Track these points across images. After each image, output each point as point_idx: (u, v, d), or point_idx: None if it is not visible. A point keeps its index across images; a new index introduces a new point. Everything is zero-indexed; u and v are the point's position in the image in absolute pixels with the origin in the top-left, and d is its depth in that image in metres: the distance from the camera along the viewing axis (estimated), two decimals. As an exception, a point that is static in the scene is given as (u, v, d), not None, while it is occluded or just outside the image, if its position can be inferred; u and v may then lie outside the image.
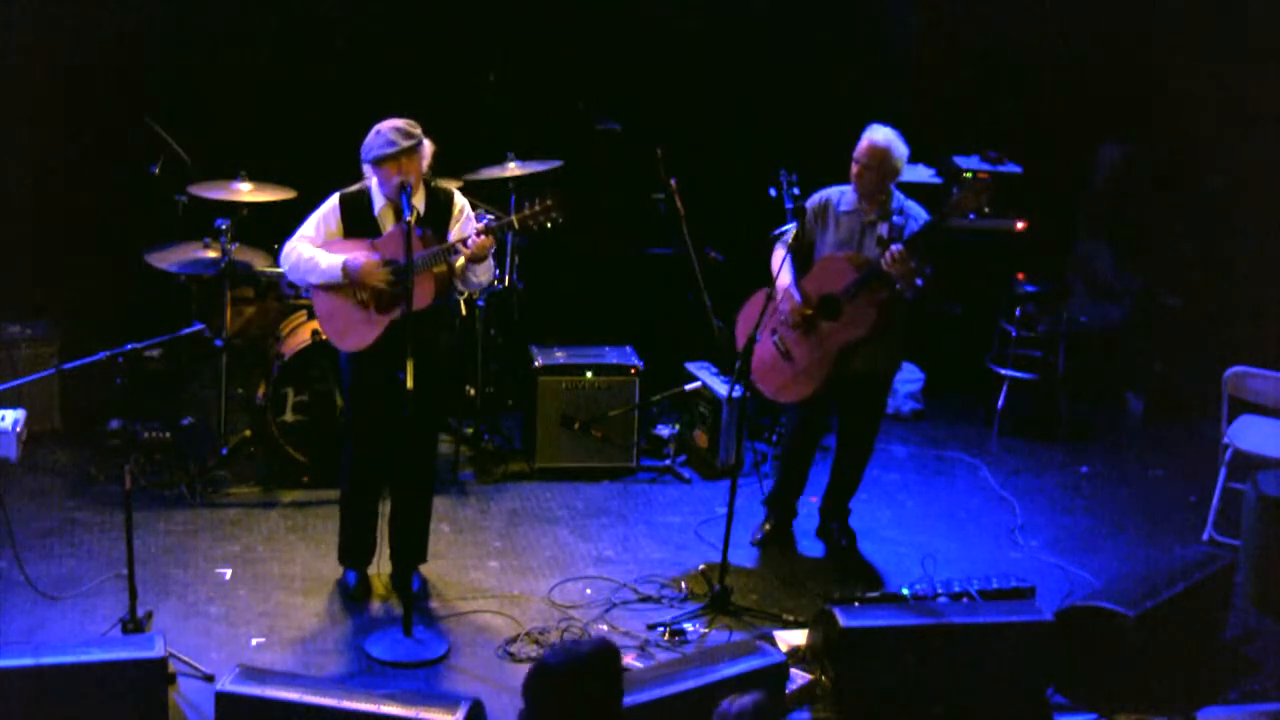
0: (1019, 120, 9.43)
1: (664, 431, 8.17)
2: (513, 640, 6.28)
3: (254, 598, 6.58)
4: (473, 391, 8.17)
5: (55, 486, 7.47)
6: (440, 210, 6.33)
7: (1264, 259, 8.86)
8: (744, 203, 8.78)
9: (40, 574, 6.54)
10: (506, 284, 8.12)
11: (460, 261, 6.23)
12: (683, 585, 6.84)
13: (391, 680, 6.00)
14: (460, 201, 6.41)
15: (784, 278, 6.82)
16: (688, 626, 6.45)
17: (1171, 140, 9.17)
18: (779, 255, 6.93)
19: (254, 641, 6.24)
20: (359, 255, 6.24)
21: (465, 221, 6.36)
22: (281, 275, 7.34)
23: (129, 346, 6.00)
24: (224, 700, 5.23)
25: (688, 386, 8.21)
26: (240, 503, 7.43)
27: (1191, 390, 8.90)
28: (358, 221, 6.31)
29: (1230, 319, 8.95)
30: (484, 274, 6.36)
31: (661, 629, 6.41)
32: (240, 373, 7.99)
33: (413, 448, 6.38)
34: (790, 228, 7.01)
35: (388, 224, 6.29)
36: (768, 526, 7.33)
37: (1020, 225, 9.12)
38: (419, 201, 6.24)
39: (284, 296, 7.75)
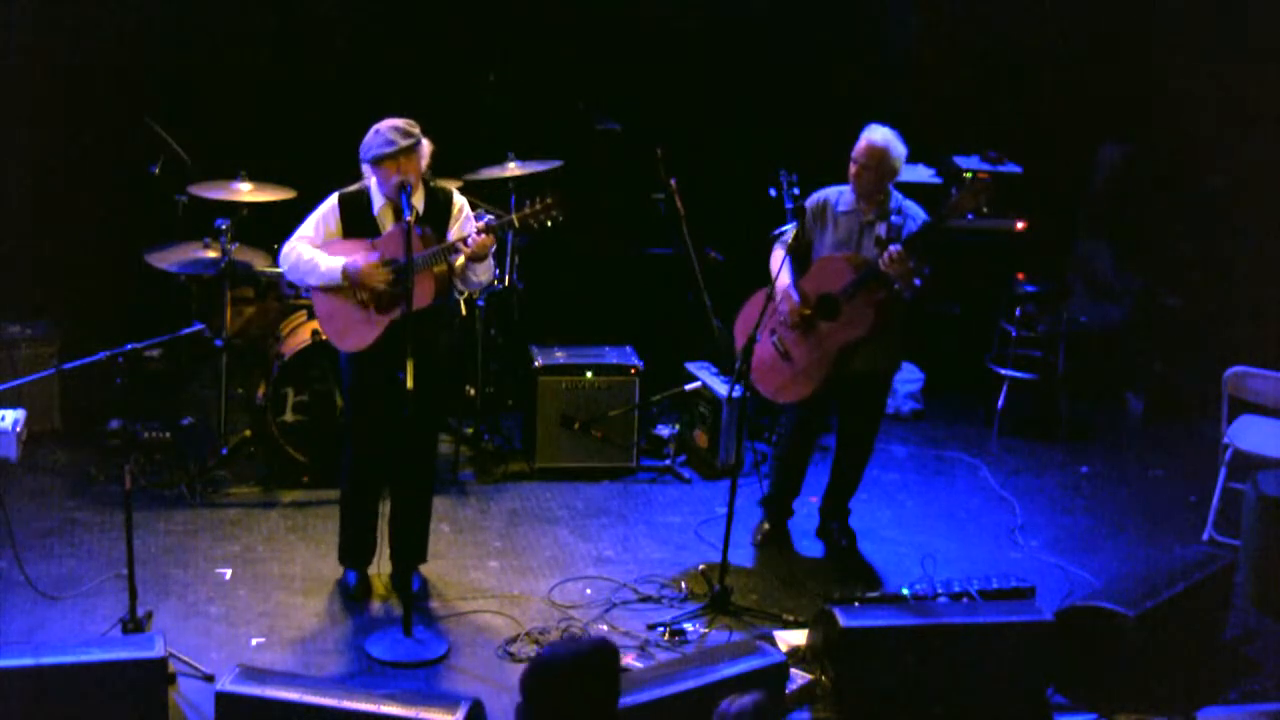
0: (1019, 120, 9.44)
1: (664, 431, 8.17)
2: (513, 640, 6.28)
3: (254, 598, 6.58)
4: (473, 391, 8.17)
5: (55, 486, 7.47)
6: (439, 209, 6.33)
7: (1264, 259, 8.86)
8: (744, 203, 8.78)
9: (40, 574, 6.54)
10: (506, 284, 8.12)
11: (460, 260, 6.23)
12: (683, 585, 6.84)
13: (391, 680, 6.00)
14: (459, 201, 6.41)
15: (783, 278, 6.82)
16: (688, 626, 6.45)
17: (1171, 140, 9.17)
18: (778, 256, 6.93)
19: (254, 641, 6.24)
20: (358, 257, 6.24)
21: (465, 221, 6.36)
22: (281, 275, 7.34)
23: (129, 346, 6.00)
24: (224, 700, 5.23)
25: (688, 386, 8.21)
26: (240, 503, 7.43)
27: (1191, 390, 8.90)
28: (357, 221, 6.31)
29: (1230, 319, 8.95)
30: (484, 273, 6.36)
31: (661, 629, 6.41)
32: (240, 373, 7.99)
33: (413, 448, 6.38)
34: (790, 228, 7.01)
35: (387, 224, 6.29)
36: (766, 527, 7.34)
37: (1020, 225, 9.12)
38: (418, 201, 6.24)
39: (284, 296, 7.75)
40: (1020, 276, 8.87)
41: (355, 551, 6.68)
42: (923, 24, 9.63)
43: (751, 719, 3.86)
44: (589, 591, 6.78)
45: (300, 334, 7.51)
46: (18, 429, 6.55)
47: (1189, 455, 8.51)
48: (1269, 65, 8.71)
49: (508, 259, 8.08)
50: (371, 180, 6.28)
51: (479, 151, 8.14)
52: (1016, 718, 5.95)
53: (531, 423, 8.02)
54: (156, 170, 7.96)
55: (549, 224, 6.28)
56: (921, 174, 9.12)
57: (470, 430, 8.16)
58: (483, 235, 6.17)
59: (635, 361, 8.05)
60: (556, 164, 8.04)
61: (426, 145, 6.23)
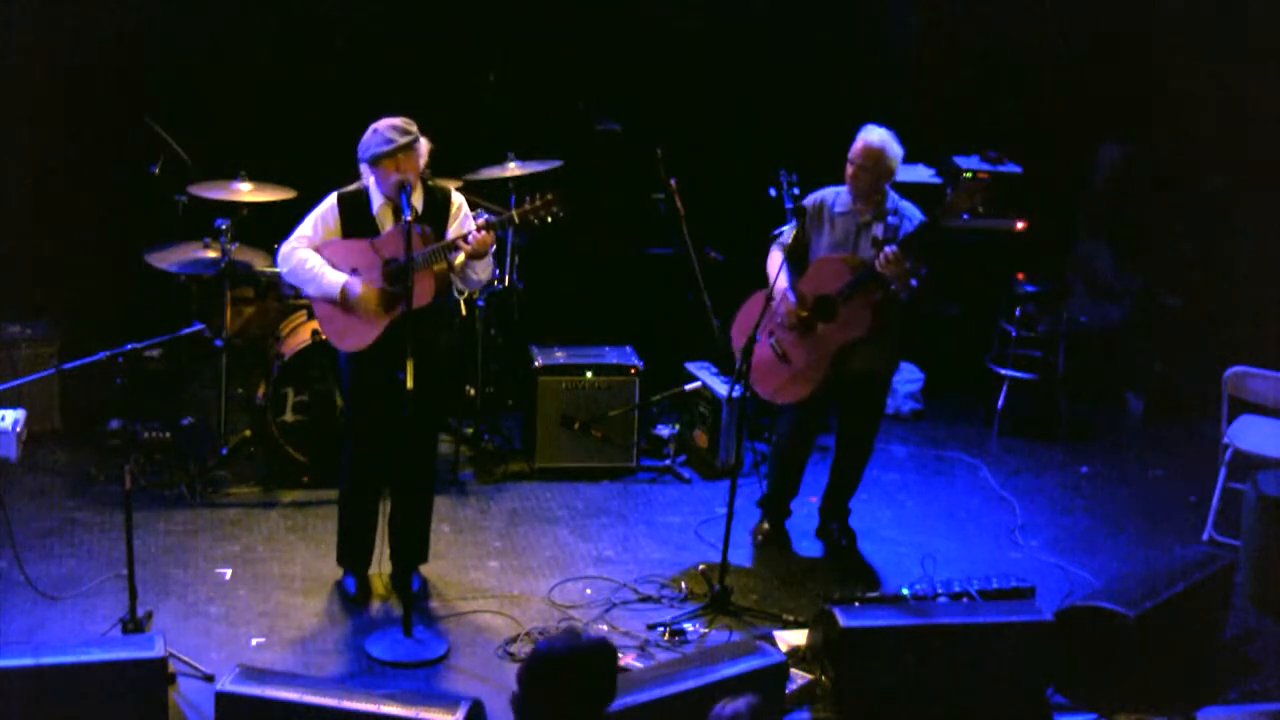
0: (1019, 120, 9.43)
1: (664, 431, 8.17)
2: (513, 640, 6.29)
3: (254, 598, 6.58)
4: (473, 391, 8.17)
5: (55, 486, 7.47)
6: (438, 208, 6.34)
7: (1264, 259, 8.86)
8: (744, 203, 8.78)
9: (40, 574, 6.54)
10: (506, 284, 8.12)
11: (460, 258, 6.23)
12: (683, 585, 6.84)
13: (391, 680, 6.00)
14: (458, 199, 6.42)
15: (780, 281, 6.82)
16: (688, 626, 6.45)
17: (1171, 140, 9.17)
18: (775, 257, 6.93)
19: (254, 641, 6.24)
20: (357, 282, 6.24)
21: (463, 219, 6.36)
22: (281, 275, 7.33)
23: (129, 346, 6.00)
24: (224, 700, 5.23)
25: (688, 386, 8.21)
26: (240, 503, 7.43)
27: (1191, 390, 8.89)
28: (356, 221, 6.31)
29: (1230, 319, 8.95)
30: (484, 271, 6.36)
31: (661, 629, 6.41)
32: (240, 373, 7.99)
33: (413, 448, 6.38)
34: (788, 228, 7.01)
35: (386, 223, 6.29)
36: (766, 527, 7.34)
37: (1020, 225, 9.12)
38: (416, 200, 6.24)
39: (284, 296, 7.75)
40: (1020, 276, 8.87)
41: (354, 553, 6.67)
42: (923, 24, 9.63)
43: None
44: (589, 591, 6.78)
45: (300, 334, 7.51)
46: (18, 429, 6.55)
47: (1189, 455, 8.50)
48: (1269, 65, 8.71)
49: (508, 259, 8.08)
50: (370, 180, 6.28)
51: (479, 151, 8.14)
52: (1016, 718, 5.95)
53: (531, 423, 8.02)
54: (156, 170, 7.96)
55: (549, 220, 6.28)
56: (921, 174, 9.12)
57: (470, 430, 8.16)
58: (483, 232, 6.17)
59: (635, 361, 8.05)
60: (556, 164, 8.04)
61: (424, 143, 6.23)
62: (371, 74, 8.69)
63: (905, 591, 6.42)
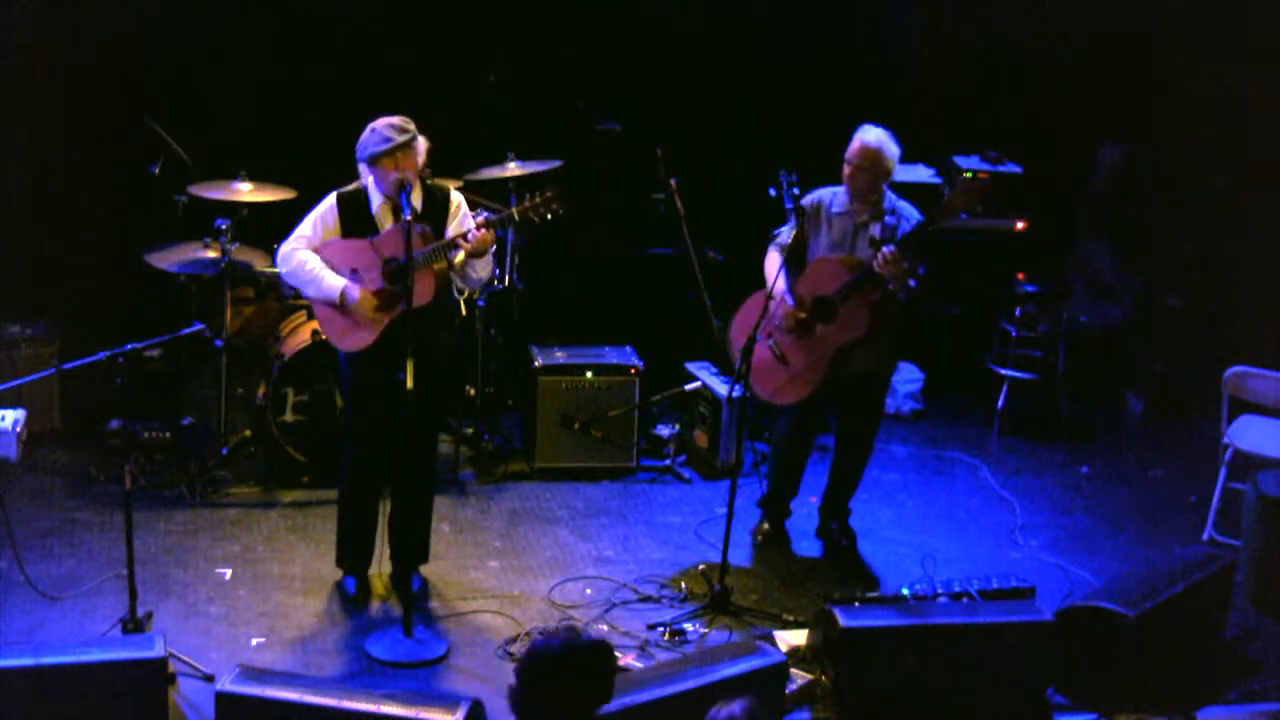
0: (1019, 120, 9.43)
1: (664, 431, 8.17)
2: (513, 640, 6.29)
3: (254, 598, 6.58)
4: (473, 391, 8.17)
5: (55, 486, 7.47)
6: (437, 208, 6.34)
7: (1264, 259, 8.86)
8: (744, 203, 8.78)
9: (40, 574, 6.54)
10: (506, 284, 8.12)
11: (460, 257, 6.24)
12: (683, 585, 6.84)
13: (391, 680, 6.00)
14: (457, 198, 6.42)
15: (779, 283, 6.81)
16: (688, 626, 6.45)
17: (1171, 140, 9.17)
18: (772, 258, 6.94)
19: (254, 641, 6.24)
20: (355, 289, 6.24)
21: (462, 218, 6.36)
22: (281, 275, 7.34)
23: (129, 346, 6.00)
24: (224, 700, 5.23)
25: (688, 386, 8.21)
26: (240, 503, 7.43)
27: (1191, 390, 8.89)
28: (355, 220, 6.32)
29: (1230, 319, 8.95)
30: (484, 270, 6.36)
31: (661, 629, 6.41)
32: (240, 373, 7.99)
33: (413, 448, 6.38)
34: (785, 229, 7.01)
35: (385, 222, 6.29)
36: (766, 527, 7.34)
37: (1020, 225, 9.12)
38: (415, 199, 6.24)
39: (284, 296, 7.75)
40: (1020, 276, 8.87)
41: (353, 553, 6.67)
42: (923, 24, 9.63)
43: None
44: (589, 591, 6.78)
45: (300, 334, 7.51)
46: (18, 429, 6.55)
47: (1189, 455, 8.50)
48: (1269, 65, 8.71)
49: (508, 259, 8.08)
50: (369, 179, 6.28)
51: (479, 151, 8.14)
52: (1016, 718, 5.95)
53: (531, 423, 8.02)
54: (156, 170, 7.96)
55: (549, 217, 6.28)
56: (921, 174, 9.12)
57: (470, 430, 8.16)
58: (482, 231, 6.17)
59: (635, 361, 8.05)
60: (556, 164, 8.04)
61: (422, 142, 6.23)
62: (371, 74, 8.69)
63: (905, 591, 6.42)
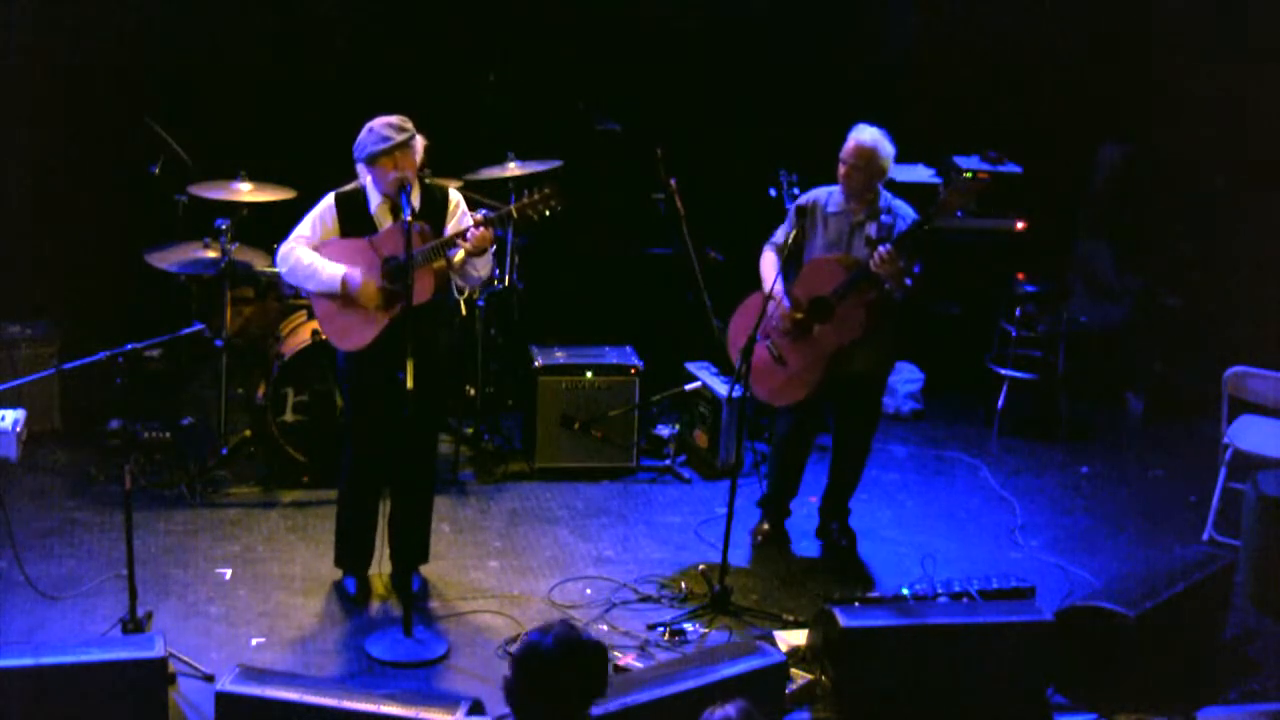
0: (1019, 120, 9.43)
1: (664, 431, 8.17)
2: (513, 640, 6.28)
3: (254, 598, 6.58)
4: (473, 391, 8.17)
5: (55, 486, 7.47)
6: (436, 207, 6.34)
7: (1264, 259, 8.86)
8: (744, 203, 8.78)
9: (40, 574, 6.54)
10: (506, 284, 8.12)
11: (460, 256, 6.24)
12: (683, 585, 6.83)
13: (391, 680, 6.00)
14: (455, 197, 6.42)
15: (777, 285, 6.81)
16: (688, 626, 6.45)
17: (1171, 140, 9.17)
18: (769, 258, 6.94)
19: (254, 641, 6.24)
20: (357, 273, 6.24)
21: (461, 217, 6.36)
22: (281, 275, 7.35)
23: (129, 346, 6.00)
24: (224, 700, 5.23)
25: (688, 386, 8.21)
26: (240, 503, 7.43)
27: (1191, 390, 8.90)
28: (354, 220, 6.32)
29: (1230, 319, 8.95)
30: (484, 269, 6.36)
31: (661, 629, 6.41)
32: (240, 373, 7.99)
33: (413, 448, 6.38)
34: (782, 228, 7.02)
35: (384, 222, 6.29)
36: (765, 527, 7.34)
37: (1020, 225, 9.12)
38: (414, 198, 6.23)
39: (284, 296, 7.75)
40: (1020, 276, 8.87)
41: (353, 554, 6.67)
42: (923, 24, 9.63)
43: None
44: (589, 591, 6.78)
45: (300, 334, 7.51)
46: (18, 429, 6.54)
47: (1189, 455, 8.51)
48: (1269, 65, 8.71)
49: (508, 259, 8.08)
50: (367, 179, 6.28)
51: (479, 151, 8.14)
52: (1016, 718, 5.95)
53: (531, 423, 8.02)
54: (156, 170, 7.96)
55: (547, 214, 6.28)
56: (921, 174, 9.13)
57: (470, 430, 8.16)
58: (481, 229, 6.17)
59: (635, 361, 8.05)
60: (556, 164, 8.04)
61: (420, 141, 6.23)
62: (371, 74, 8.69)
63: (905, 591, 6.42)
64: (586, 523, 7.47)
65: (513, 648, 6.16)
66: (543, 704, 4.02)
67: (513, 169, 7.98)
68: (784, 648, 6.00)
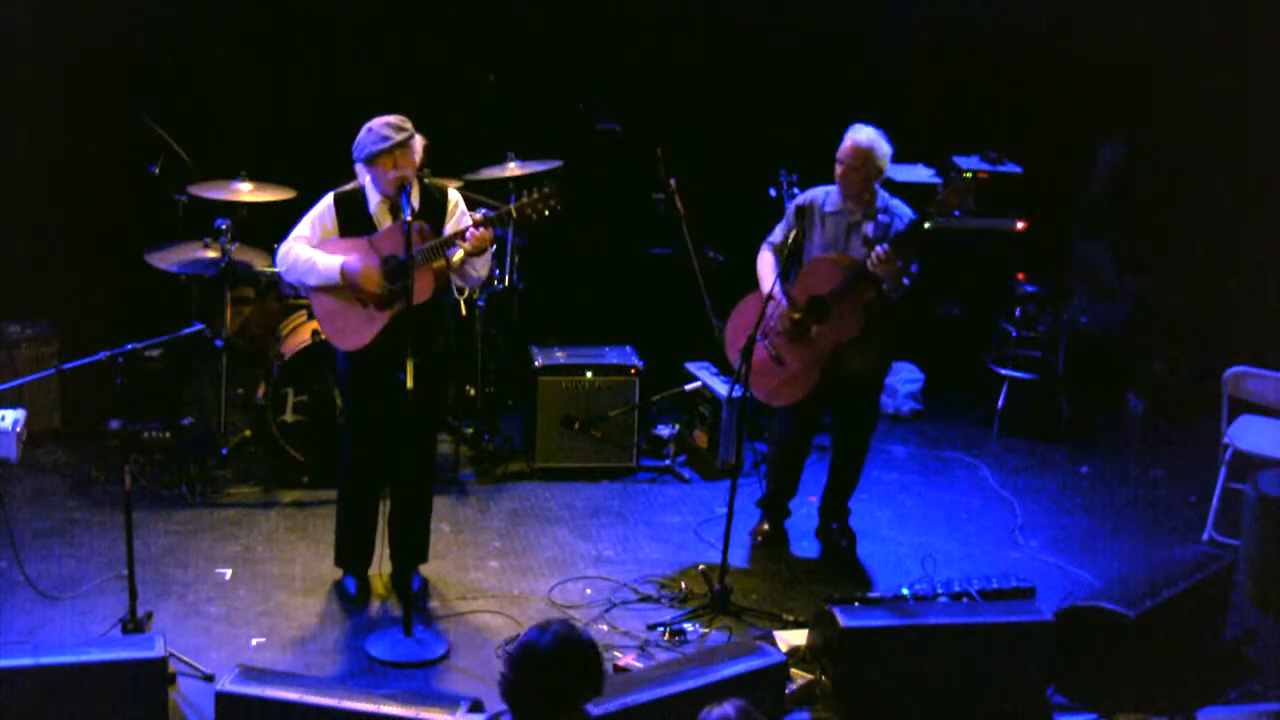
0: (1019, 120, 9.43)
1: (664, 431, 8.17)
2: (513, 640, 6.27)
3: (254, 598, 6.58)
4: (473, 391, 8.17)
5: (55, 486, 7.47)
6: (435, 206, 6.34)
7: (1264, 259, 8.86)
8: (744, 203, 8.78)
9: (40, 574, 6.54)
10: (506, 284, 8.12)
11: (459, 255, 6.24)
12: (683, 585, 6.83)
13: (391, 680, 6.00)
14: (454, 197, 6.42)
15: (776, 285, 6.81)
16: (688, 626, 6.45)
17: (1171, 140, 9.16)
18: (765, 257, 6.94)
19: (254, 641, 6.25)
20: (355, 259, 6.24)
21: (460, 216, 6.36)
22: (281, 275, 7.34)
23: (129, 346, 6.00)
24: (224, 700, 5.23)
25: (688, 386, 8.21)
26: (240, 503, 7.43)
27: (1191, 390, 8.90)
28: (353, 220, 6.31)
29: (1230, 319, 8.95)
30: (483, 268, 6.37)
31: (661, 629, 6.41)
32: (240, 373, 7.99)
33: (412, 447, 6.38)
34: (779, 227, 7.01)
35: (383, 221, 6.29)
36: (765, 527, 7.34)
37: (1020, 225, 9.12)
38: (413, 198, 6.23)
39: (284, 296, 7.76)
40: (1020, 276, 8.87)
41: (353, 553, 6.67)
42: (922, 24, 9.62)
43: None
44: (589, 591, 6.78)
45: (300, 334, 7.52)
46: (18, 429, 6.55)
47: (1189, 455, 8.50)
48: (1269, 65, 8.70)
49: (508, 259, 8.08)
50: (366, 179, 6.28)
51: (479, 151, 8.14)
52: (1016, 718, 5.95)
53: (531, 423, 8.02)
54: (156, 170, 7.96)
55: (547, 214, 6.28)
56: (921, 174, 9.13)
57: (470, 430, 8.16)
58: (481, 229, 6.17)
59: (635, 361, 8.05)
60: (556, 164, 8.04)
61: (419, 140, 6.23)
62: (371, 74, 8.69)
63: (905, 591, 6.41)
64: (586, 523, 7.47)
65: (513, 648, 6.20)
66: (539, 701, 4.03)
67: (513, 169, 7.98)
68: (784, 648, 6.00)
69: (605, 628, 6.45)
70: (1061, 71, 9.37)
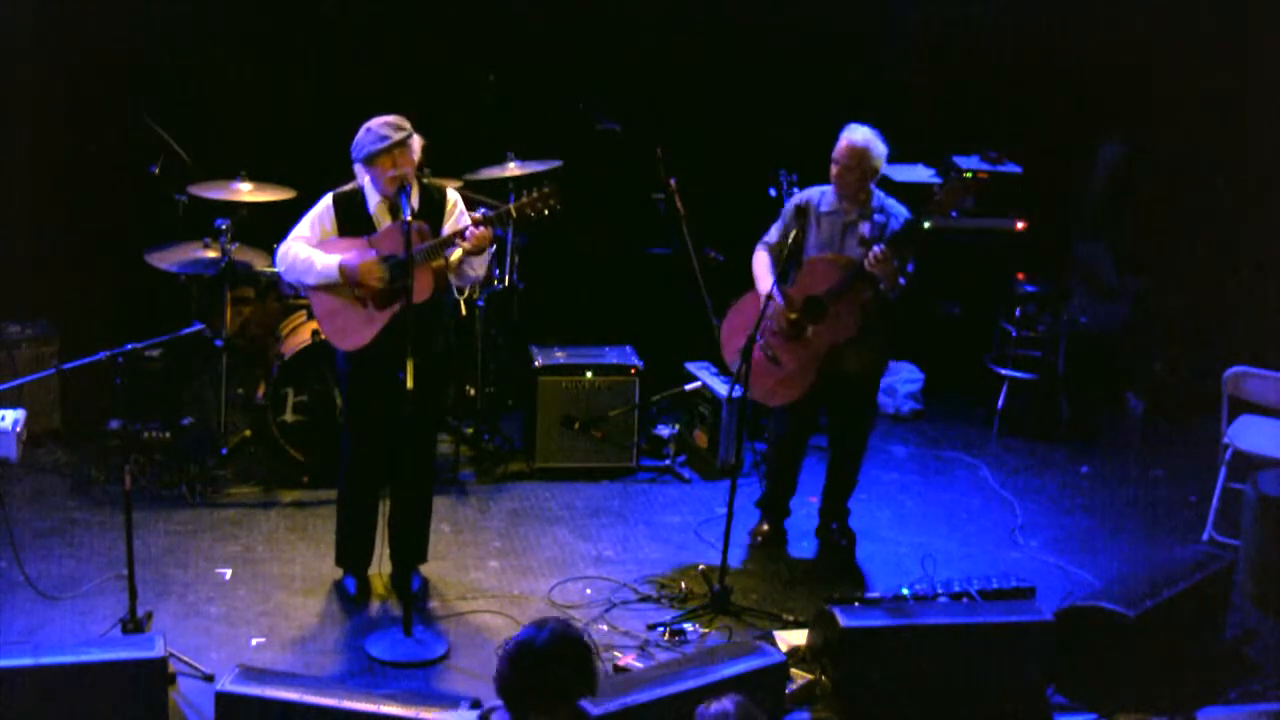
0: (1019, 120, 9.43)
1: (664, 431, 8.17)
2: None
3: (254, 598, 6.58)
4: (473, 391, 8.17)
5: (55, 486, 7.47)
6: (434, 206, 6.34)
7: (1264, 259, 8.86)
8: (744, 203, 8.78)
9: (40, 574, 6.54)
10: (506, 284, 8.12)
11: (458, 255, 6.24)
12: (683, 585, 6.83)
13: (391, 680, 6.00)
14: (454, 197, 6.43)
15: (769, 284, 6.81)
16: (688, 626, 6.45)
17: (1171, 140, 9.16)
18: (761, 257, 6.94)
19: (254, 641, 6.25)
20: (354, 255, 6.24)
21: (459, 216, 6.37)
22: (281, 275, 7.35)
23: (129, 346, 6.00)
24: (224, 700, 5.23)
25: (688, 386, 8.21)
26: (240, 503, 7.43)
27: (1191, 390, 8.90)
28: (352, 220, 6.31)
29: (1230, 319, 8.95)
30: (481, 268, 6.37)
31: (661, 629, 6.41)
32: (240, 373, 7.99)
33: (412, 447, 6.38)
34: (775, 227, 7.01)
35: (383, 221, 6.29)
36: (765, 527, 7.34)
37: (1020, 225, 9.12)
38: (412, 198, 6.23)
39: (284, 296, 7.76)
40: (1020, 276, 8.87)
41: (353, 553, 6.67)
42: (922, 24, 9.62)
43: None
44: (589, 591, 6.78)
45: (300, 334, 7.52)
46: (18, 429, 6.55)
47: (1189, 455, 8.50)
48: (1269, 65, 8.70)
49: (508, 259, 8.08)
50: (365, 179, 6.28)
51: (479, 151, 8.14)
52: (1016, 718, 5.95)
53: (531, 423, 8.02)
54: (156, 170, 7.96)
55: (546, 213, 6.28)
56: (921, 174, 9.12)
57: (470, 430, 8.16)
58: (480, 228, 6.17)
59: (635, 361, 8.05)
60: (556, 164, 8.04)
61: (418, 140, 6.23)
62: (371, 74, 8.69)
63: (905, 591, 6.42)
64: (586, 523, 7.47)
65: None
66: (535, 698, 4.04)
67: (513, 169, 7.98)
68: (784, 648, 6.00)
69: (605, 628, 6.45)
70: (1061, 71, 9.36)
